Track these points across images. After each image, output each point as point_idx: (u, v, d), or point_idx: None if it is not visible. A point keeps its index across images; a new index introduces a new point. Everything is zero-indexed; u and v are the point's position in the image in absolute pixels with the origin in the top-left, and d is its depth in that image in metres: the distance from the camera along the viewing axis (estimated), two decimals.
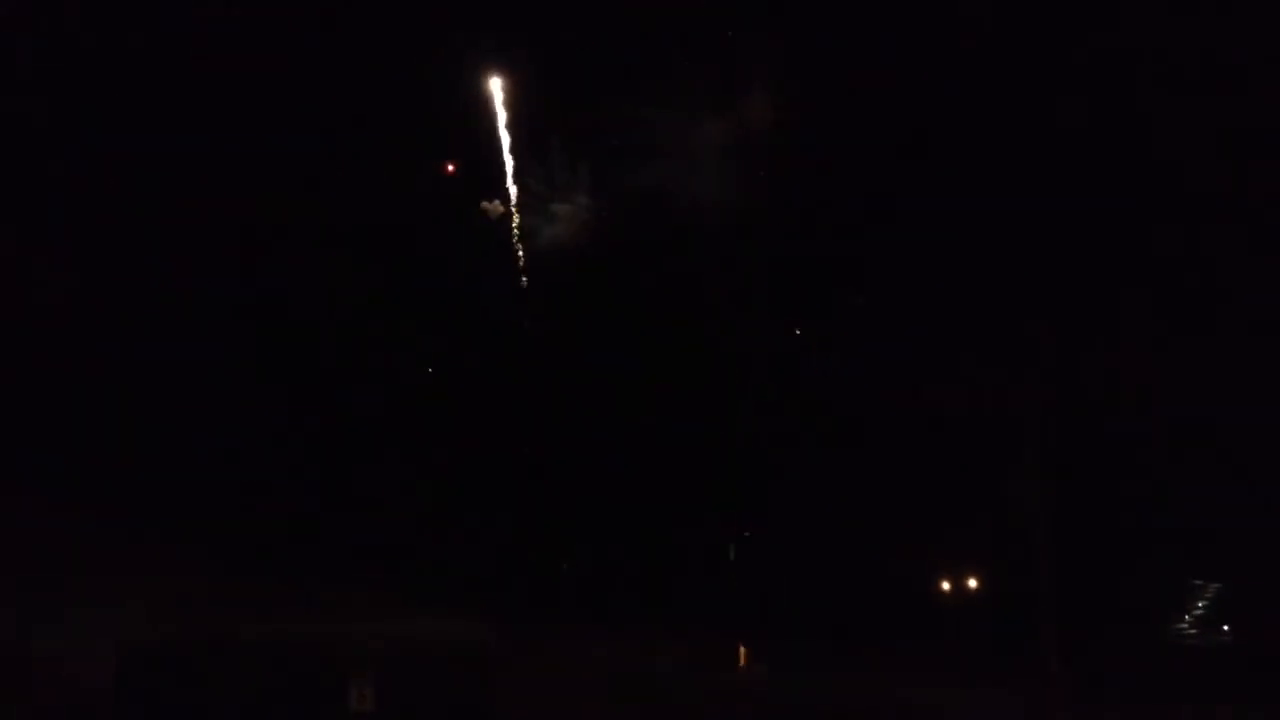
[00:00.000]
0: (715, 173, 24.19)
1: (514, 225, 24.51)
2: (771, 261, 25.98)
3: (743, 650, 25.01)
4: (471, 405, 25.75)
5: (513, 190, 24.07)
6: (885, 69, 24.10)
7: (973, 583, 26.08)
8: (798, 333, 27.12)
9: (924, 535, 24.95)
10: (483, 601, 22.63)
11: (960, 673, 22.96)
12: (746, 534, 26.03)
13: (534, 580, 24.50)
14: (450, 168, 24.68)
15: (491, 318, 26.15)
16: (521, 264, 25.36)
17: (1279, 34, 21.87)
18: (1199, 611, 27.09)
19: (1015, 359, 24.33)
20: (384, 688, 19.89)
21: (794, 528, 25.69)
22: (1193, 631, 27.11)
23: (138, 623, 19.90)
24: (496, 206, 23.57)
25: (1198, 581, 26.82)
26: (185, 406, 23.36)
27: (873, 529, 24.74)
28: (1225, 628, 26.73)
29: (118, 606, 20.27)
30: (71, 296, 23.29)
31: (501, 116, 23.55)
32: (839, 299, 26.90)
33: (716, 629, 24.53)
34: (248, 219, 24.21)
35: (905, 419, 25.14)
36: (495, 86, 23.85)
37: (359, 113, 24.12)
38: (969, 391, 24.47)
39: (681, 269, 25.71)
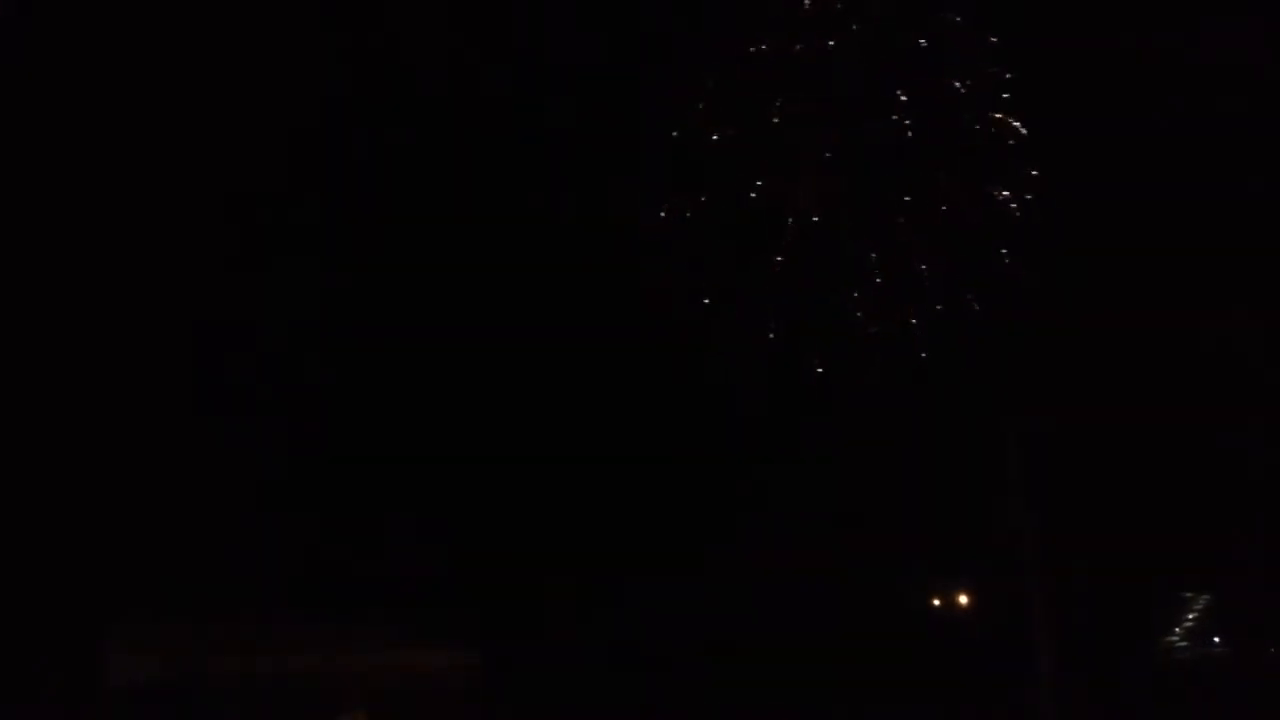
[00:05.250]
0: None
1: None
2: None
3: None
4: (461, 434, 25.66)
5: None
6: None
7: (964, 599, 26.11)
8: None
9: (913, 551, 24.94)
10: (474, 631, 22.72)
11: (951, 691, 23.05)
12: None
13: (525, 610, 24.40)
14: None
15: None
16: None
17: None
18: (1189, 624, 27.14)
19: (1005, 376, 24.41)
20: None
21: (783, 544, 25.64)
22: (1184, 644, 27.14)
23: (130, 660, 20.04)
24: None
25: (1187, 594, 26.85)
26: (172, 443, 23.42)
27: (860, 545, 24.75)
28: (1216, 639, 26.78)
29: (109, 644, 20.42)
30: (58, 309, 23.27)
31: None
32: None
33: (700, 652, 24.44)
34: None
35: (894, 433, 25.21)
36: None
37: None
38: (958, 407, 24.59)
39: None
